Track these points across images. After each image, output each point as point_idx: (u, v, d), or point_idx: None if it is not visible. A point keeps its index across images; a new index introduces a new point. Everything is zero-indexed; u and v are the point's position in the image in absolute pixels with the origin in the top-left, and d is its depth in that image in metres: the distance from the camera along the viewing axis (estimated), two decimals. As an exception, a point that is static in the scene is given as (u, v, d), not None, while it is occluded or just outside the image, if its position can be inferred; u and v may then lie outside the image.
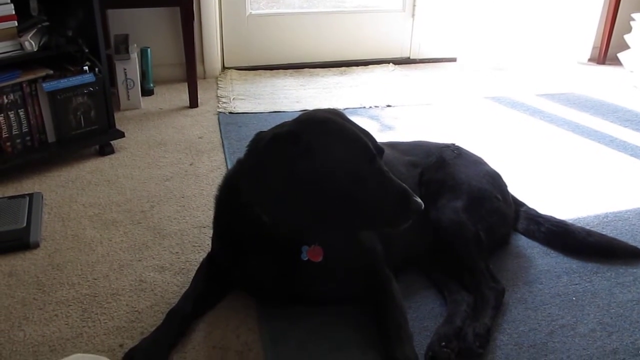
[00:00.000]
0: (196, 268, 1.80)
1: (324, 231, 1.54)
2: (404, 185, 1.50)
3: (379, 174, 1.49)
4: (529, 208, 2.11)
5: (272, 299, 1.69)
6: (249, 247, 1.62)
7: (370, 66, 3.97)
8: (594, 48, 4.12)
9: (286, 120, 1.59)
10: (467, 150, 2.10)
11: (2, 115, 2.39)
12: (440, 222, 1.83)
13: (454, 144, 2.11)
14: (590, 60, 4.15)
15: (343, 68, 3.94)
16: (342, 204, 1.46)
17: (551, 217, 2.06)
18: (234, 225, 1.64)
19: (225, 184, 1.71)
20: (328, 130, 1.49)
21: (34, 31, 2.43)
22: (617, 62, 4.07)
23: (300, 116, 1.58)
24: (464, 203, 1.85)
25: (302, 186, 1.43)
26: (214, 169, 2.58)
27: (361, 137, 1.50)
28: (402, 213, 1.48)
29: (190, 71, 3.20)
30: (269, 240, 1.56)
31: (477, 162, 2.05)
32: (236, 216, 1.62)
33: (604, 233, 2.04)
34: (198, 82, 3.29)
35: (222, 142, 2.84)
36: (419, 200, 1.48)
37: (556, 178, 2.54)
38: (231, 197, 1.64)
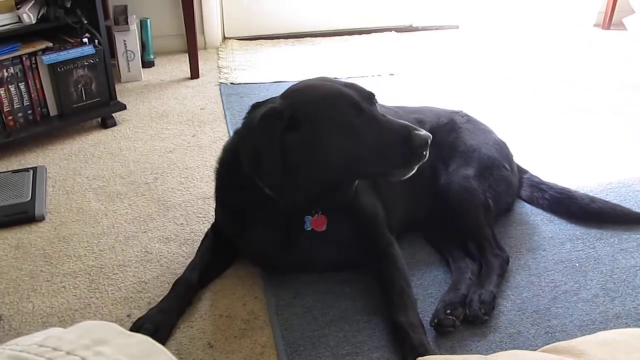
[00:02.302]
0: (201, 238, 1.82)
1: (328, 196, 1.54)
2: (403, 122, 1.45)
3: (372, 119, 1.45)
4: (533, 175, 2.11)
5: (276, 268, 1.71)
6: (251, 218, 1.63)
7: (373, 34, 3.92)
8: (599, 13, 4.05)
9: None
10: (475, 118, 2.08)
11: (3, 88, 2.38)
12: (450, 188, 1.82)
13: (462, 111, 2.08)
14: (595, 25, 4.09)
15: (345, 37, 3.88)
16: (344, 160, 1.45)
17: (554, 184, 2.06)
18: (236, 196, 1.65)
19: (224, 156, 1.71)
20: (309, 96, 1.49)
21: (32, 3, 2.39)
22: (622, 26, 4.01)
23: (285, 90, 1.58)
24: (474, 170, 1.84)
25: (298, 156, 1.44)
26: (216, 140, 2.57)
27: (342, 90, 1.47)
28: (410, 151, 1.42)
29: (190, 42, 3.16)
30: (271, 210, 1.57)
31: (485, 131, 2.03)
32: (237, 187, 1.62)
33: (607, 200, 2.04)
34: (199, 53, 3.26)
35: (225, 112, 2.83)
36: (423, 131, 1.43)
37: (560, 145, 2.53)
38: (231, 168, 1.64)
